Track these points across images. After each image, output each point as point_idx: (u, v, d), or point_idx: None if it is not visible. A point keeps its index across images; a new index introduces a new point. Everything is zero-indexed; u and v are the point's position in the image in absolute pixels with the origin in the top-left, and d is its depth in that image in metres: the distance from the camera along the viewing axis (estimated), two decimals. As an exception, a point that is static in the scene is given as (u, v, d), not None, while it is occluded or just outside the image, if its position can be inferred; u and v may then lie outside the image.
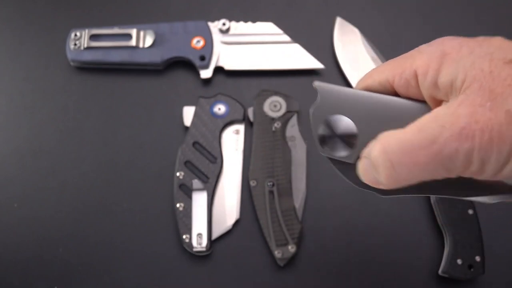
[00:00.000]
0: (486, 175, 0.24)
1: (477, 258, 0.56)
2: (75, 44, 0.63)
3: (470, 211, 0.57)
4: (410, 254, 0.58)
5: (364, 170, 0.28)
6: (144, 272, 0.58)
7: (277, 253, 0.56)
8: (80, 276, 0.57)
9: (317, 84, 0.29)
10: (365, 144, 0.28)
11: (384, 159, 0.25)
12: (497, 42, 0.25)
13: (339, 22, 0.66)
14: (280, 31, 0.65)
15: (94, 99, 0.64)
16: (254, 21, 0.65)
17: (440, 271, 0.56)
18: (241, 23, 0.65)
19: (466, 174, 0.25)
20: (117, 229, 0.59)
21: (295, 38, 0.65)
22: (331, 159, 0.29)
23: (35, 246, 0.58)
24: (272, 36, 0.65)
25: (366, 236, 0.59)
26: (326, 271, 0.58)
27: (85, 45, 0.63)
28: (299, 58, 0.64)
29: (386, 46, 0.66)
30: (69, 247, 0.58)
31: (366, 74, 0.31)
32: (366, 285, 0.57)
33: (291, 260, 0.57)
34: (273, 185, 0.58)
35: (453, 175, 0.25)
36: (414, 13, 0.69)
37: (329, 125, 0.29)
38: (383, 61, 0.64)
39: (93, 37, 0.64)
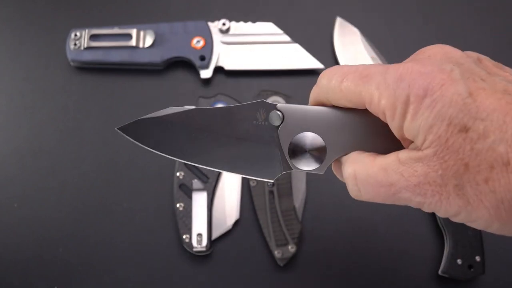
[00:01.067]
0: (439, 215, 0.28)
1: (477, 258, 0.56)
2: (75, 44, 0.63)
3: (470, 211, 0.57)
4: (410, 254, 0.58)
5: (337, 173, 0.32)
6: (144, 272, 0.58)
7: (277, 253, 0.56)
8: (80, 276, 0.57)
9: (279, 106, 0.30)
10: (333, 156, 0.30)
11: (353, 182, 0.29)
12: (461, 96, 0.24)
13: (339, 22, 0.66)
14: (280, 31, 0.65)
15: (94, 99, 0.64)
16: (254, 21, 0.65)
17: (440, 271, 0.56)
18: (241, 23, 0.65)
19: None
20: (117, 229, 0.59)
21: (295, 38, 0.65)
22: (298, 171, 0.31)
23: (35, 246, 0.58)
24: (272, 36, 0.65)
25: (366, 236, 0.59)
26: (326, 271, 0.58)
27: (85, 45, 0.63)
28: (299, 58, 0.64)
29: (386, 46, 0.66)
30: (69, 247, 0.58)
31: (334, 85, 0.29)
32: (366, 285, 0.57)
33: (291, 260, 0.57)
34: (273, 185, 0.58)
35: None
36: (414, 13, 0.69)
37: (298, 142, 0.30)
38: (383, 61, 0.64)
39: (93, 37, 0.64)
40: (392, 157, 0.27)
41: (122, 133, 0.33)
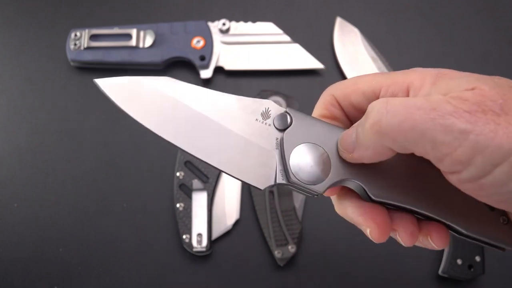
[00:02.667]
0: (468, 175, 0.22)
1: (477, 258, 0.56)
2: (75, 44, 0.63)
3: (470, 211, 0.57)
4: (410, 254, 0.58)
5: (348, 134, 0.26)
6: (144, 272, 0.58)
7: (277, 253, 0.56)
8: (80, 276, 0.57)
9: (289, 110, 0.28)
10: (335, 178, 0.27)
11: (382, 106, 0.23)
12: (497, 76, 0.24)
13: (339, 22, 0.66)
14: (280, 31, 0.65)
15: (94, 99, 0.64)
16: (254, 21, 0.65)
17: (440, 271, 0.56)
18: (241, 23, 0.65)
19: (447, 164, 0.23)
20: (117, 229, 0.59)
21: (295, 38, 0.65)
22: (293, 185, 0.27)
23: (35, 246, 0.58)
24: (272, 36, 0.65)
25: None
26: (326, 271, 0.58)
27: (85, 45, 0.63)
28: (299, 58, 0.64)
29: (386, 46, 0.66)
30: (69, 247, 0.58)
31: (349, 80, 0.28)
32: (366, 285, 0.57)
33: (291, 260, 0.57)
34: (273, 185, 0.58)
35: (433, 156, 0.23)
36: (414, 13, 0.69)
37: (303, 152, 0.27)
38: (383, 61, 0.64)
39: (93, 37, 0.64)
40: (436, 95, 0.23)
41: (99, 86, 0.28)
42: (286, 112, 0.28)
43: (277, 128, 0.28)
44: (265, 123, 0.28)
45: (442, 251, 0.57)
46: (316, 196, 0.28)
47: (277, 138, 0.27)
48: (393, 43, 0.67)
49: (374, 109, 0.24)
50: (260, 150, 0.27)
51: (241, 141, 0.27)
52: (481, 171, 0.22)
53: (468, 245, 0.56)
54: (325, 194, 0.28)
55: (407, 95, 0.25)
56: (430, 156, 0.23)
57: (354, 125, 0.27)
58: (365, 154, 0.25)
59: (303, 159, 0.27)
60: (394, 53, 0.66)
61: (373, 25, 0.67)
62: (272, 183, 0.27)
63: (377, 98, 0.26)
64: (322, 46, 0.66)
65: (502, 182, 0.22)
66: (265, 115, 0.28)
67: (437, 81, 0.24)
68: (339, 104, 0.29)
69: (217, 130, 0.27)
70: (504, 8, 0.69)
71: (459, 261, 0.55)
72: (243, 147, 0.27)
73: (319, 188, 0.27)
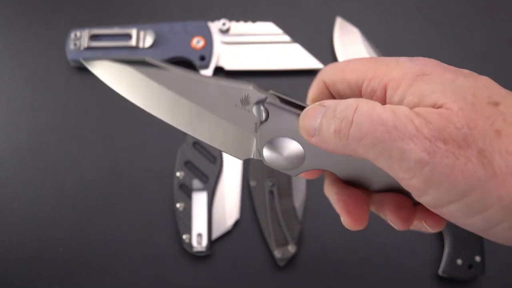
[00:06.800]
0: (425, 202, 0.23)
1: (477, 258, 0.56)
2: (75, 44, 0.63)
3: (470, 211, 0.57)
4: (410, 254, 0.58)
5: (312, 116, 0.25)
6: (144, 272, 0.58)
7: (277, 253, 0.56)
8: (80, 276, 0.57)
9: (269, 102, 0.27)
10: (309, 167, 0.28)
11: (349, 114, 0.23)
12: (484, 80, 0.23)
13: (339, 22, 0.66)
14: (280, 31, 0.65)
15: (94, 99, 0.64)
16: (254, 21, 0.65)
17: (440, 271, 0.56)
18: (241, 23, 0.65)
19: (404, 185, 0.23)
20: (117, 229, 0.59)
21: (295, 38, 0.65)
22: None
23: (35, 246, 0.58)
24: (272, 36, 0.65)
25: (366, 236, 0.59)
26: (326, 271, 0.58)
27: (85, 45, 0.63)
28: (299, 58, 0.64)
29: (386, 46, 0.66)
30: (69, 247, 0.58)
31: (339, 66, 0.27)
32: (366, 285, 0.57)
33: (291, 260, 0.57)
34: (273, 185, 0.58)
35: (391, 174, 0.23)
36: (414, 13, 0.69)
37: (276, 145, 0.27)
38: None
39: (93, 37, 0.64)
40: (405, 107, 0.22)
41: (86, 64, 0.32)
42: (263, 104, 0.27)
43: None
44: (244, 109, 0.28)
45: (442, 250, 0.57)
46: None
47: (256, 123, 0.28)
48: (393, 43, 0.67)
49: (342, 115, 0.23)
50: (240, 132, 0.28)
51: (220, 124, 0.28)
52: (437, 203, 0.22)
53: (468, 245, 0.56)
54: (304, 177, 0.29)
55: (385, 94, 0.25)
56: (390, 174, 0.23)
57: (320, 105, 0.25)
58: (324, 147, 0.25)
59: (276, 152, 0.28)
60: (394, 53, 0.65)
61: (373, 25, 0.67)
62: (251, 157, 0.29)
63: (360, 90, 0.26)
64: (322, 46, 0.66)
65: (458, 217, 0.22)
66: (244, 101, 0.28)
67: (414, 83, 0.23)
68: (329, 90, 0.28)
69: (196, 111, 0.29)
70: (504, 8, 0.69)
71: (459, 261, 0.55)
72: (223, 128, 0.28)
73: (291, 173, 0.28)
